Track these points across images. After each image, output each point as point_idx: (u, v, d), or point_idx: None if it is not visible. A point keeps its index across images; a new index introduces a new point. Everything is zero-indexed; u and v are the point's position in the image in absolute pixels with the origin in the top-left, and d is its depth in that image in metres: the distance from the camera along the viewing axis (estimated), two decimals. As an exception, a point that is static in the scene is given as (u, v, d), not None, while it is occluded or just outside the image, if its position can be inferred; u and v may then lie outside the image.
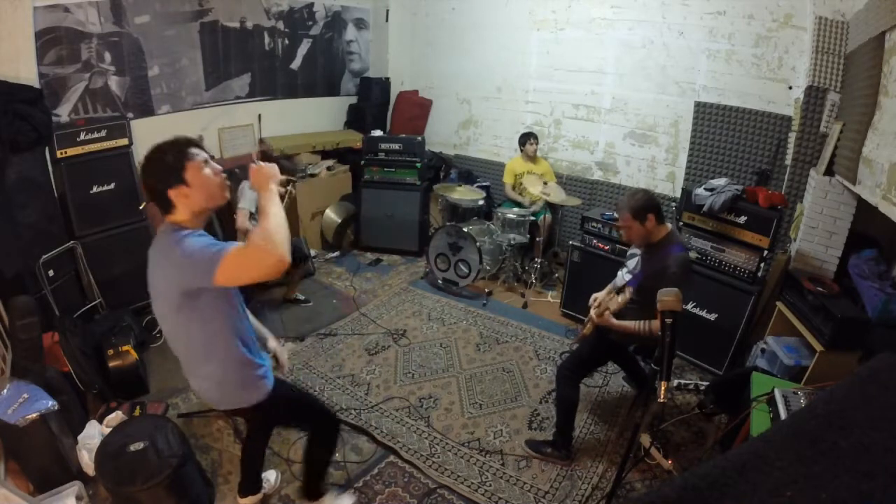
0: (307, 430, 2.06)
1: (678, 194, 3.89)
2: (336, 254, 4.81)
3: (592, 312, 2.40)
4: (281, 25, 4.72)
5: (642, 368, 2.79)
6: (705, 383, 3.03)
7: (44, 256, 3.00)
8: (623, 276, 2.48)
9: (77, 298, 3.29)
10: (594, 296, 2.54)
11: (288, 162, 2.18)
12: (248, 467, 2.16)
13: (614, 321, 2.28)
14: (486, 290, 4.19)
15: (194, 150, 1.47)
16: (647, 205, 2.22)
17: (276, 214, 1.39)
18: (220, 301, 1.52)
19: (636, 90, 4.24)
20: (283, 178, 1.61)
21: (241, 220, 3.04)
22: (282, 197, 2.03)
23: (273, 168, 1.52)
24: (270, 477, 2.33)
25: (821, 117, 3.15)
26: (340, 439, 2.60)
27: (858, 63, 2.73)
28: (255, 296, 3.57)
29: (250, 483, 2.17)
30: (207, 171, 1.48)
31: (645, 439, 2.29)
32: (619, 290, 2.42)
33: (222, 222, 3.78)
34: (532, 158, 4.54)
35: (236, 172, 3.54)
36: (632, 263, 2.46)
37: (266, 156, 1.63)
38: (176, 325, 1.55)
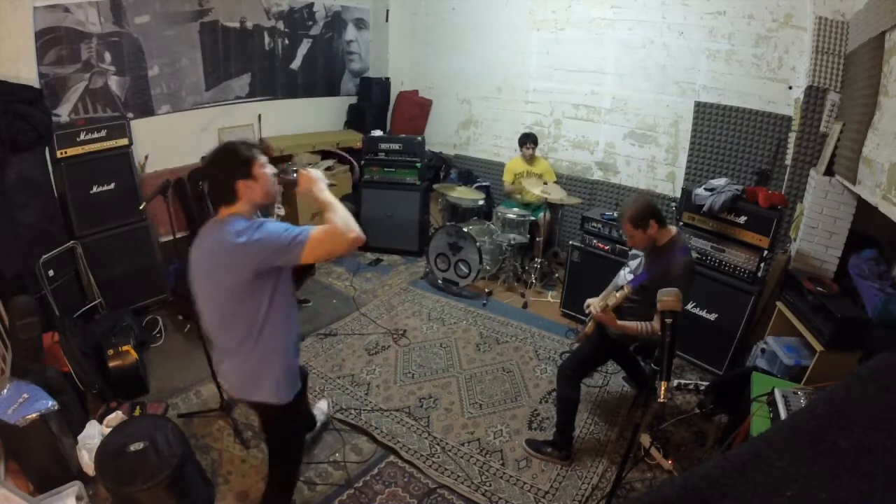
0: (276, 458, 1.97)
1: (678, 194, 3.89)
2: (336, 254, 4.80)
3: (595, 307, 2.38)
4: (281, 25, 4.72)
5: (643, 368, 2.79)
6: (705, 383, 3.03)
7: (44, 256, 3.00)
8: (625, 275, 2.48)
9: (77, 298, 3.29)
10: (588, 301, 2.52)
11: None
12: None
13: (617, 321, 2.28)
14: (486, 290, 4.19)
15: (258, 151, 1.66)
16: (646, 212, 2.20)
17: (338, 205, 1.63)
18: (280, 294, 1.66)
19: (636, 90, 4.24)
20: (328, 179, 1.79)
21: None
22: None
23: (317, 172, 1.75)
24: (323, 406, 2.58)
25: (821, 117, 3.15)
26: (340, 439, 2.61)
27: (858, 63, 2.73)
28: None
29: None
30: (268, 170, 1.66)
31: (645, 439, 2.29)
32: (619, 288, 2.42)
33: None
34: (530, 160, 4.54)
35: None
36: (634, 263, 2.46)
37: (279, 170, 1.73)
38: (233, 310, 1.63)
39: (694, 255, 3.18)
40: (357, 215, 4.82)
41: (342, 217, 1.58)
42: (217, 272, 1.59)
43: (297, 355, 1.85)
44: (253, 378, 1.72)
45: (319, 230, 1.54)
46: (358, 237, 1.56)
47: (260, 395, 1.74)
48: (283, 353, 1.74)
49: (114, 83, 3.64)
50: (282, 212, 2.23)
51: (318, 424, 2.42)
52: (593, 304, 2.44)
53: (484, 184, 5.18)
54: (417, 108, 5.70)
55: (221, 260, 1.56)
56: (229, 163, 1.60)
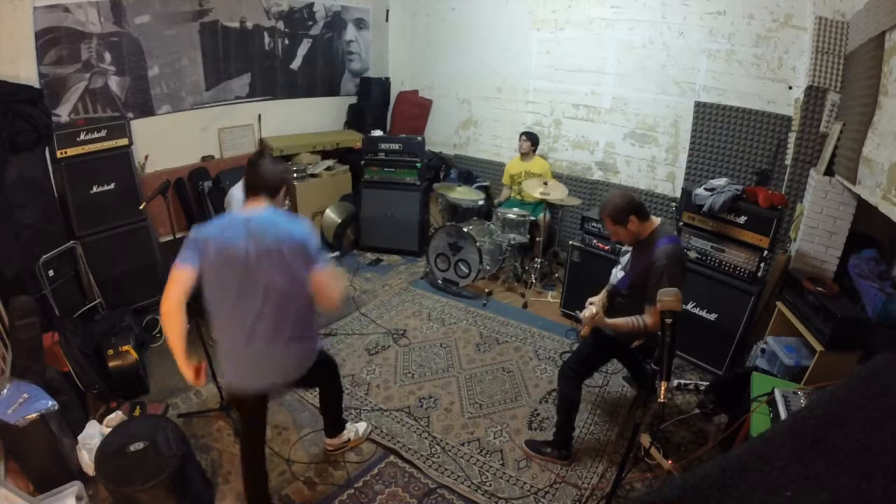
0: (322, 384, 2.38)
1: (678, 194, 3.89)
2: (336, 254, 4.81)
3: (596, 304, 2.39)
4: (281, 25, 4.72)
5: (645, 368, 2.79)
6: (705, 383, 3.03)
7: (44, 256, 3.00)
8: (616, 273, 2.48)
9: (77, 298, 3.29)
10: (590, 300, 2.52)
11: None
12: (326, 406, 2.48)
13: (606, 320, 2.27)
14: (486, 290, 4.19)
15: None
16: (625, 208, 2.18)
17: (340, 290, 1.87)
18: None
19: (636, 90, 4.24)
20: None
21: None
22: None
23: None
24: (360, 428, 2.64)
25: (821, 117, 3.15)
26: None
27: (858, 63, 2.73)
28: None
29: (331, 427, 2.51)
30: None
31: (645, 439, 2.29)
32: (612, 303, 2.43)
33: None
34: (526, 155, 4.54)
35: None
36: (624, 260, 2.46)
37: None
38: (292, 292, 1.81)
39: (693, 255, 3.18)
40: (357, 215, 4.86)
41: (340, 297, 1.84)
42: (284, 256, 1.75)
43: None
44: (306, 357, 1.99)
45: (327, 277, 1.81)
46: (336, 308, 1.90)
47: (310, 362, 2.02)
48: (314, 335, 2.08)
49: (114, 83, 3.64)
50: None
51: (345, 436, 2.56)
52: (596, 301, 2.46)
53: (484, 184, 5.18)
54: (417, 108, 5.70)
55: (290, 247, 1.76)
56: (283, 168, 2.01)
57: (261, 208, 1.84)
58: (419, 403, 2.91)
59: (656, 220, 2.28)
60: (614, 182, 4.56)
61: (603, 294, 2.52)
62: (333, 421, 2.48)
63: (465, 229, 4.01)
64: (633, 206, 2.19)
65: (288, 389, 2.56)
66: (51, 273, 3.06)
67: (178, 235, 3.56)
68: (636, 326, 2.19)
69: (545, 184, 3.99)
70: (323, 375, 2.29)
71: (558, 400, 2.54)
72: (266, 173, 1.88)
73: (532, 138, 4.52)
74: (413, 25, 5.66)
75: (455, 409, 2.88)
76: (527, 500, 2.32)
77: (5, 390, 2.13)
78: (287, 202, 2.01)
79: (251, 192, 1.87)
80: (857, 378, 0.88)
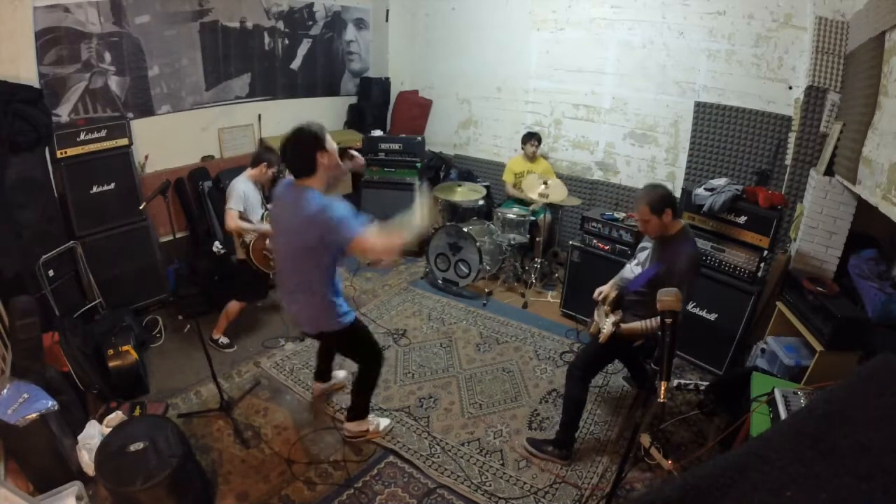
0: (361, 363, 2.50)
1: (678, 194, 3.88)
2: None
3: (599, 318, 2.41)
4: (281, 25, 4.72)
5: (645, 368, 2.79)
6: (705, 383, 3.03)
7: (44, 256, 3.00)
8: (632, 268, 2.49)
9: (77, 298, 3.29)
10: (598, 289, 2.55)
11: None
12: (321, 360, 2.88)
13: (623, 327, 2.29)
14: (486, 290, 4.19)
15: (325, 131, 2.06)
16: (665, 200, 2.25)
17: (395, 244, 1.96)
18: (336, 257, 2.09)
19: (636, 90, 4.24)
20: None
21: (231, 220, 3.02)
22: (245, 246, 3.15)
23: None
24: (340, 375, 3.00)
25: (821, 117, 3.15)
26: (340, 439, 2.61)
27: (858, 63, 2.73)
28: (254, 300, 3.55)
29: (321, 372, 2.91)
30: (334, 144, 2.09)
31: (645, 439, 2.29)
32: (619, 305, 2.43)
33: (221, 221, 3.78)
34: (531, 158, 4.55)
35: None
36: (643, 255, 2.46)
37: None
38: (300, 260, 2.08)
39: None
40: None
41: (396, 245, 1.95)
42: (294, 230, 2.02)
43: (342, 300, 2.27)
44: (317, 318, 2.21)
45: (377, 240, 1.92)
46: (398, 257, 2.01)
47: (326, 327, 2.23)
48: (333, 302, 2.18)
49: (114, 83, 3.64)
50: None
51: (330, 382, 2.94)
52: (605, 290, 2.52)
53: (484, 184, 5.17)
54: (417, 108, 5.69)
55: (301, 223, 1.97)
56: (308, 139, 1.99)
57: (295, 190, 2.06)
58: (419, 403, 2.91)
59: (682, 222, 2.36)
60: (614, 182, 4.56)
61: (609, 290, 2.52)
62: (356, 404, 2.57)
63: (465, 229, 4.01)
64: (672, 199, 2.28)
65: (327, 343, 2.70)
66: (51, 273, 3.06)
67: (178, 235, 3.59)
68: (651, 328, 2.22)
69: (545, 183, 3.98)
70: (355, 350, 2.49)
71: (565, 400, 2.53)
72: (294, 147, 2.02)
73: (539, 139, 4.52)
74: (413, 25, 5.66)
75: (455, 409, 2.88)
76: (527, 499, 2.32)
77: (5, 390, 2.13)
78: (338, 165, 2.13)
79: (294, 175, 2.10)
80: (857, 378, 0.88)
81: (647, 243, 2.50)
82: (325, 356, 2.88)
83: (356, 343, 2.43)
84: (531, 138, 4.49)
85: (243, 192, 3.07)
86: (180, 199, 4.12)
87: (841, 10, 2.97)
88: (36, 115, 2.95)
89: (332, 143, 2.06)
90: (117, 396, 2.76)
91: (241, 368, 3.17)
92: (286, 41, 4.82)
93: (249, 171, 3.20)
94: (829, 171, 2.92)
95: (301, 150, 2.00)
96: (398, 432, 2.68)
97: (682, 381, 3.12)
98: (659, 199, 2.24)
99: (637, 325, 2.25)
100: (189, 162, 4.23)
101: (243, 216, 3.06)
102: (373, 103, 5.52)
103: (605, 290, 2.55)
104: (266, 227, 3.08)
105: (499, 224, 4.31)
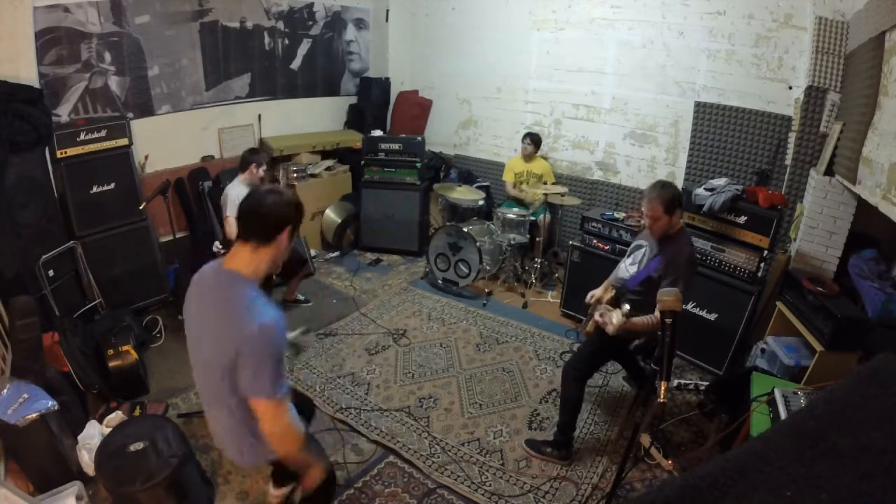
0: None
1: (678, 194, 3.89)
2: (336, 254, 4.81)
3: (604, 313, 2.39)
4: (281, 25, 4.72)
5: (644, 367, 2.79)
6: (705, 383, 3.03)
7: (44, 256, 3.00)
8: (626, 267, 2.48)
9: (77, 298, 3.29)
10: (591, 293, 2.54)
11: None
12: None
13: (626, 321, 2.28)
14: (486, 290, 4.19)
15: None
16: (677, 200, 2.26)
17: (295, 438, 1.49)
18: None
19: (636, 90, 4.24)
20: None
21: (230, 227, 3.02)
22: None
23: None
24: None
25: (821, 117, 3.15)
26: (341, 439, 2.61)
27: (858, 63, 2.73)
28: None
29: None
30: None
31: (645, 439, 2.28)
32: (618, 303, 2.42)
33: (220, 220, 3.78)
34: (529, 157, 4.55)
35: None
36: (638, 254, 2.46)
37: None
38: (211, 373, 1.45)
39: (694, 255, 3.19)
40: (357, 215, 4.86)
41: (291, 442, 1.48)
42: (221, 332, 1.41)
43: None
44: (238, 448, 1.57)
45: (278, 404, 1.39)
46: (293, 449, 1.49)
47: (248, 462, 1.63)
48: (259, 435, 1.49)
49: (114, 83, 3.64)
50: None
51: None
52: (597, 294, 2.50)
53: (484, 184, 5.17)
54: (417, 108, 5.70)
55: (222, 319, 1.42)
56: (287, 207, 1.47)
57: (227, 276, 1.45)
58: (419, 403, 2.91)
59: (681, 221, 2.39)
60: (614, 182, 4.56)
61: (602, 293, 2.52)
62: None
63: (465, 229, 4.01)
64: (682, 199, 2.31)
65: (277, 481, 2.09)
66: (51, 273, 3.06)
67: (178, 235, 3.59)
68: (651, 324, 2.22)
69: (545, 184, 3.99)
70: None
71: (561, 401, 2.53)
72: (273, 205, 1.46)
73: (535, 140, 4.52)
74: (413, 25, 5.66)
75: (455, 409, 2.88)
76: (527, 499, 2.32)
77: (5, 390, 2.13)
78: (284, 252, 1.54)
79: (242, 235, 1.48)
80: (857, 378, 0.88)
81: (641, 241, 2.50)
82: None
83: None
84: (526, 138, 4.52)
85: (238, 196, 3.07)
86: (180, 199, 4.13)
87: (841, 10, 2.97)
88: (36, 115, 2.95)
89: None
90: (117, 396, 2.76)
91: (241, 368, 3.17)
92: (286, 41, 4.82)
93: (241, 175, 3.25)
94: (829, 171, 2.92)
95: (275, 215, 1.44)
96: (398, 432, 2.68)
97: (682, 381, 3.13)
98: (672, 198, 2.25)
99: (640, 320, 2.25)
100: (189, 162, 4.23)
101: None
102: (373, 103, 5.53)
103: (598, 293, 2.53)
104: None
105: (499, 224, 4.31)
